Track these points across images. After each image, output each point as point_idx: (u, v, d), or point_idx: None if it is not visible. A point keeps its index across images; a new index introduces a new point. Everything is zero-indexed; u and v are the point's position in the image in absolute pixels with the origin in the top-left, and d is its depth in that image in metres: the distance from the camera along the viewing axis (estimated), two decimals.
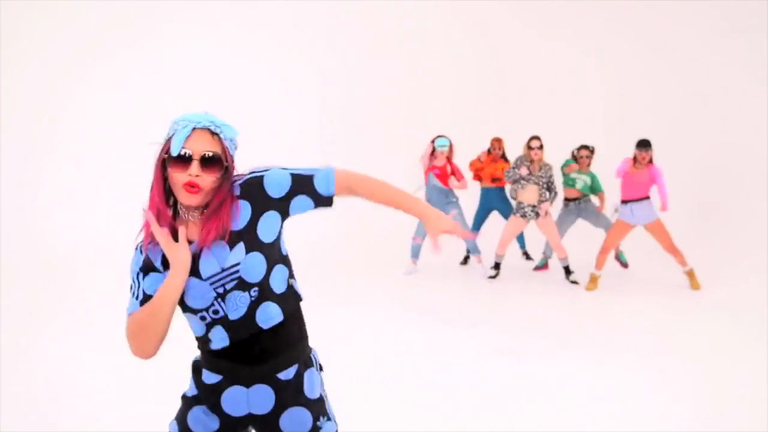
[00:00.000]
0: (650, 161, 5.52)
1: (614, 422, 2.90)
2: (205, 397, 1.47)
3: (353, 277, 6.23)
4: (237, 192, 1.42)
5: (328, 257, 6.89)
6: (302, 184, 1.45)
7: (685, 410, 3.05)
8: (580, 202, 6.15)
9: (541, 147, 5.92)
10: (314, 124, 8.70)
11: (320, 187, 1.46)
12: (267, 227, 1.42)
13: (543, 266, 6.58)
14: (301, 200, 1.46)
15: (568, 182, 6.14)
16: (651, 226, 5.58)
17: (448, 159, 6.15)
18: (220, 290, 1.38)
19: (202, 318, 1.41)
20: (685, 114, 8.05)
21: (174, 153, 1.34)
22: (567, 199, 6.23)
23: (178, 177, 1.35)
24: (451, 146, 6.13)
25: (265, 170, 1.46)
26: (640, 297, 5.44)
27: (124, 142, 7.56)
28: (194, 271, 1.37)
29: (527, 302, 5.35)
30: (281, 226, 1.46)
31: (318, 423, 1.48)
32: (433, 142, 6.13)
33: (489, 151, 6.74)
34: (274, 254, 1.44)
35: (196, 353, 1.52)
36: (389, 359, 3.77)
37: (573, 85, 8.75)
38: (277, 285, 1.44)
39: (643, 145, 5.52)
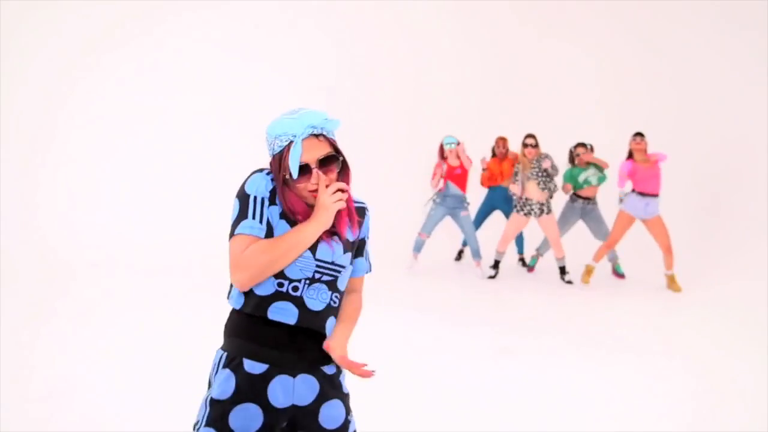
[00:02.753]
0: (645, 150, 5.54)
1: (614, 422, 2.90)
2: (248, 390, 1.41)
3: None
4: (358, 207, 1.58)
5: None
6: (365, 249, 1.64)
7: (685, 409, 3.05)
8: (589, 203, 6.08)
9: (535, 146, 5.90)
10: None
11: (363, 266, 1.64)
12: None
13: (532, 267, 6.54)
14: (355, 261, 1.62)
15: (581, 185, 5.99)
16: (652, 222, 5.56)
17: (459, 157, 6.07)
18: (317, 275, 1.45)
19: (280, 284, 1.42)
20: (687, 114, 8.04)
21: (294, 176, 1.40)
22: (577, 195, 6.10)
23: (302, 188, 1.43)
24: (459, 144, 6.04)
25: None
26: (639, 297, 5.45)
27: (125, 141, 7.57)
28: (312, 246, 1.43)
29: (526, 302, 5.35)
30: None
31: (348, 417, 1.55)
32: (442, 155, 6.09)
33: (493, 151, 6.71)
34: None
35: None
36: (388, 358, 3.76)
37: (576, 85, 8.74)
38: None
39: (637, 134, 5.57)
